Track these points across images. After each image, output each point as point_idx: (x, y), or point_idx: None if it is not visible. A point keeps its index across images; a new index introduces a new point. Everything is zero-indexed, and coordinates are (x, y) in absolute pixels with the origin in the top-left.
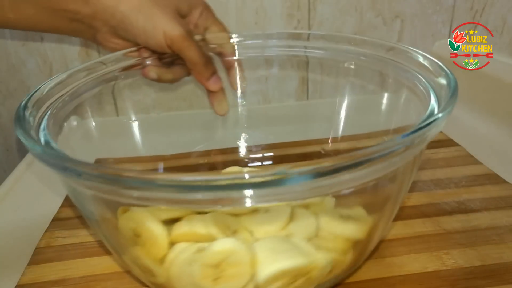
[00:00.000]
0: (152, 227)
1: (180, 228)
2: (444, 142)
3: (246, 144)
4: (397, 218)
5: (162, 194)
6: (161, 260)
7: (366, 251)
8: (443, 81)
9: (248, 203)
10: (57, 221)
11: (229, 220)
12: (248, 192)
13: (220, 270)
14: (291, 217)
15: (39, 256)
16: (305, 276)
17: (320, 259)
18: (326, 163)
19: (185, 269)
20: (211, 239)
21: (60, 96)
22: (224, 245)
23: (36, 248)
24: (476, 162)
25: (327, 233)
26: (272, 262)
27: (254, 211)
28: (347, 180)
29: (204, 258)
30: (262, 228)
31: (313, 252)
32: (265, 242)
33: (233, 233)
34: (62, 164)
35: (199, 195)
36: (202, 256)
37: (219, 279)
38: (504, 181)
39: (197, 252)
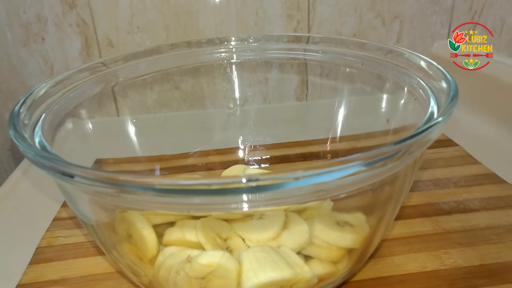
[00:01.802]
0: (142, 229)
1: (172, 235)
2: (443, 142)
3: (246, 145)
4: (397, 218)
5: (159, 199)
6: (151, 261)
7: (362, 259)
8: (442, 84)
9: (245, 207)
10: (58, 221)
11: (222, 226)
12: (246, 197)
13: (206, 280)
14: (285, 225)
15: (40, 256)
16: (291, 287)
17: (306, 271)
18: (325, 168)
19: (172, 276)
20: (201, 246)
21: (57, 98)
22: (211, 259)
23: (37, 248)
24: (475, 162)
25: (320, 241)
26: (257, 273)
27: (247, 216)
28: (346, 185)
29: (191, 270)
30: (254, 236)
31: (300, 264)
32: (253, 251)
33: (224, 240)
34: (55, 167)
35: (196, 200)
36: (189, 267)
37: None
38: (503, 181)
39: (184, 262)
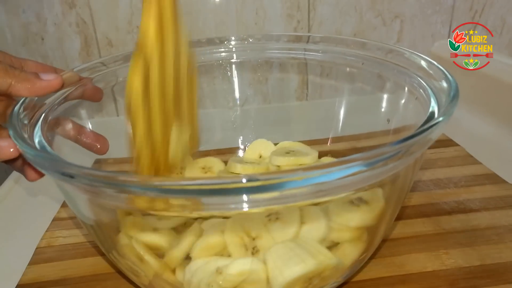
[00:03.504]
0: (150, 261)
1: (203, 242)
2: (443, 142)
3: (246, 145)
4: (397, 218)
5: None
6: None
7: (378, 236)
8: (443, 84)
9: (245, 207)
10: (57, 221)
11: (253, 223)
12: (246, 197)
13: None
14: (302, 219)
15: (39, 256)
16: (319, 277)
17: (330, 259)
18: (325, 168)
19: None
20: (224, 248)
21: (57, 98)
22: (242, 267)
23: (36, 248)
24: (476, 162)
25: (338, 225)
26: (282, 271)
27: (266, 216)
28: (347, 185)
29: (224, 281)
30: (277, 237)
31: (323, 252)
32: (274, 250)
33: (253, 239)
34: (55, 167)
35: (196, 200)
36: (222, 279)
37: None
38: (503, 181)
39: (215, 275)
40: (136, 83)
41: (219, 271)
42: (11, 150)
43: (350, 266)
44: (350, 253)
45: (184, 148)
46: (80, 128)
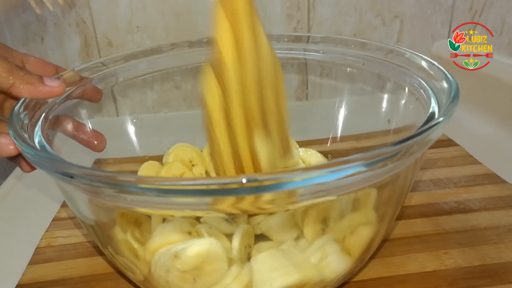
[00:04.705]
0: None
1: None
2: (443, 142)
3: None
4: (397, 218)
5: (158, 199)
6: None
7: (370, 250)
8: (443, 84)
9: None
10: (57, 221)
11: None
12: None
13: (198, 269)
14: (295, 224)
15: (39, 256)
16: None
17: (313, 274)
18: (325, 168)
19: (163, 275)
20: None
21: (57, 98)
22: (199, 248)
23: (36, 248)
24: (476, 162)
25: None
26: (267, 282)
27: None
28: (346, 185)
29: (183, 265)
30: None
31: (307, 266)
32: (262, 258)
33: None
34: (55, 167)
35: (196, 200)
36: (181, 262)
37: (198, 277)
38: (503, 181)
39: (173, 259)
40: (210, 102)
41: (177, 255)
42: (11, 147)
43: (333, 280)
44: (336, 267)
45: (274, 155)
46: (78, 125)
